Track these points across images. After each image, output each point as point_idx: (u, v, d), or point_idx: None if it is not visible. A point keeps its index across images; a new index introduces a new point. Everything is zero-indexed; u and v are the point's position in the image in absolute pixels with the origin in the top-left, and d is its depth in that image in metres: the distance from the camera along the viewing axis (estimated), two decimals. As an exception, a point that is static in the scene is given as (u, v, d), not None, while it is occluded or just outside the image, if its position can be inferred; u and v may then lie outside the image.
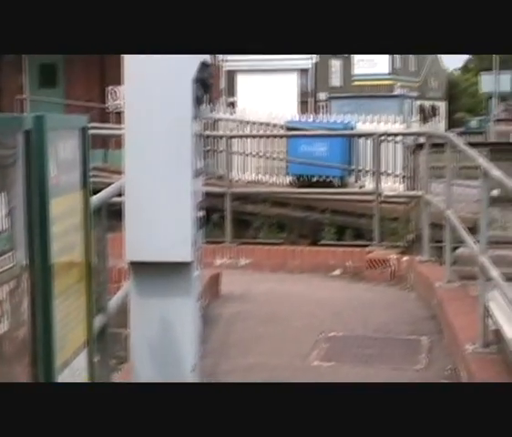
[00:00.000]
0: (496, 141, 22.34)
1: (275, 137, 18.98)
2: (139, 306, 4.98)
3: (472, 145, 8.60)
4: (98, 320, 4.52)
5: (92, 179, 3.59)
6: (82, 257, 3.44)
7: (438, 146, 9.99)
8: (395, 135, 16.75)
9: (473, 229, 7.39)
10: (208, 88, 5.12)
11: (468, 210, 10.78)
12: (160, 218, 4.86)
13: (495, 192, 8.65)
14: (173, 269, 4.90)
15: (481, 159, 6.66)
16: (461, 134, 42.15)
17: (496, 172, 6.09)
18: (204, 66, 4.90)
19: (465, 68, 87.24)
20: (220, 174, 15.38)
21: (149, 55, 4.75)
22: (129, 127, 4.88)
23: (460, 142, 8.43)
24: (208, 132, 18.19)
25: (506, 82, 29.13)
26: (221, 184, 12.02)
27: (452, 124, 66.40)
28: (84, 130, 3.43)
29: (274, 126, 18.86)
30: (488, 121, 31.10)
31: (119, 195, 5.15)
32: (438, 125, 62.49)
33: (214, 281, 8.92)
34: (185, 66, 4.79)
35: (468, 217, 9.67)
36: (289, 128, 18.54)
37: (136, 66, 4.84)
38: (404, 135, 16.63)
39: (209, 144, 17.85)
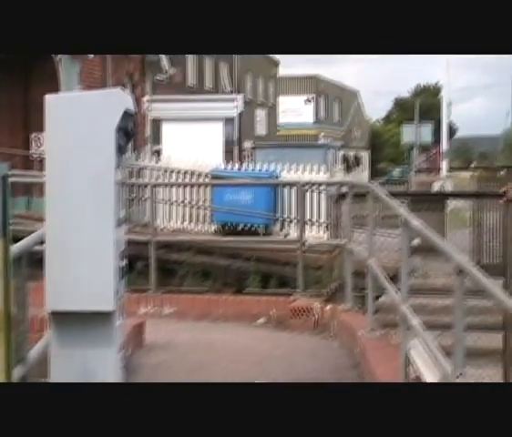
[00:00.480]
0: (417, 191, 22.79)
1: (200, 185, 19.01)
2: (60, 356, 4.90)
3: (393, 194, 8.76)
4: (18, 371, 4.43)
5: (15, 227, 3.55)
6: (0, 306, 3.38)
7: (361, 195, 10.14)
8: (319, 184, 16.95)
9: (394, 278, 7.50)
10: (131, 137, 5.13)
11: (390, 259, 10.94)
12: (82, 267, 4.81)
13: (415, 241, 8.82)
14: (95, 319, 4.85)
15: (401, 209, 6.79)
16: (384, 183, 42.87)
17: (415, 222, 6.22)
18: (127, 115, 4.91)
19: (387, 119, 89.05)
20: (144, 222, 15.30)
21: (72, 104, 4.75)
22: (51, 175, 4.84)
23: (381, 192, 8.58)
24: (133, 180, 18.13)
25: (426, 133, 29.88)
26: (146, 232, 11.96)
27: (375, 173, 67.56)
28: (4, 178, 3.39)
29: (200, 174, 18.89)
30: (410, 171, 31.75)
31: (41, 243, 5.08)
32: (362, 174, 63.53)
33: (138, 331, 8.83)
34: (108, 115, 4.79)
35: (390, 265, 9.80)
36: (214, 177, 18.59)
37: (57, 113, 4.81)
38: (327, 184, 16.82)
39: (134, 192, 17.77)
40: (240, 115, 23.57)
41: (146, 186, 16.02)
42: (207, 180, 18.76)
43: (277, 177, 18.54)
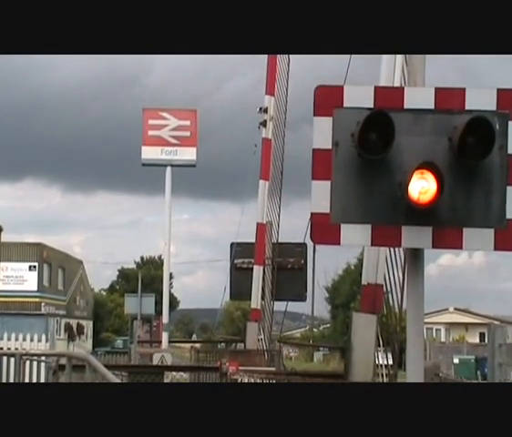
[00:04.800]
0: (136, 364, 23.01)
1: None
2: None
3: (113, 366, 8.91)
4: None
5: None
6: None
7: (81, 366, 10.18)
8: (38, 355, 16.69)
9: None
10: None
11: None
12: None
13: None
14: None
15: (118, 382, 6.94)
16: (107, 353, 42.66)
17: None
18: None
19: (112, 289, 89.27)
20: None
21: None
22: None
23: (99, 364, 8.70)
24: None
25: (149, 304, 30.39)
26: None
27: (98, 343, 67.04)
28: None
29: None
30: (132, 342, 32.01)
31: None
32: (84, 343, 62.85)
33: None
34: None
35: None
36: None
37: None
38: (45, 355, 16.58)
39: None
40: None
41: None
42: None
43: (-5, 347, 17.99)
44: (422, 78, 6.84)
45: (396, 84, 14.22)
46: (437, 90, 5.86)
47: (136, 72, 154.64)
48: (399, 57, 14.37)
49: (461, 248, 5.88)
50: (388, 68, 14.65)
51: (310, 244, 27.81)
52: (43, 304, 58.35)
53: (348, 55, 17.11)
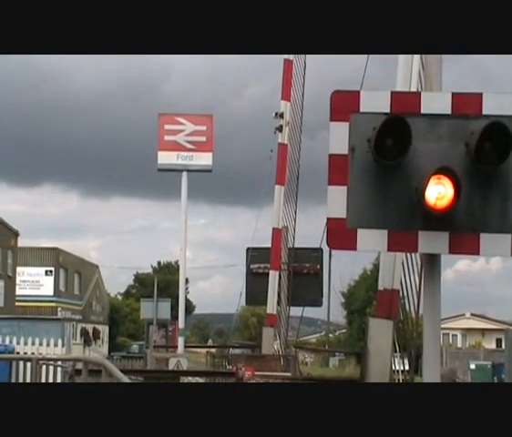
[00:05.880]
0: (153, 369, 23.01)
1: None
2: None
3: (129, 371, 8.92)
4: None
5: None
6: None
7: (97, 371, 10.19)
8: (54, 360, 16.72)
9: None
10: None
11: None
12: None
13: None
14: None
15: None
16: (123, 358, 42.74)
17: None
18: None
19: (127, 293, 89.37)
20: None
21: None
22: None
23: (115, 369, 8.71)
24: None
25: (165, 309, 30.41)
26: None
27: (114, 347, 67.18)
28: None
29: None
30: (148, 347, 32.07)
31: None
32: (100, 348, 63.00)
33: None
34: None
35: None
36: None
37: None
38: (61, 360, 16.63)
39: None
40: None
41: None
42: None
43: (12, 351, 18.05)
44: (439, 83, 6.80)
45: (413, 88, 14.18)
46: (454, 95, 5.84)
47: (153, 78, 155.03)
48: (416, 60, 14.33)
49: (478, 253, 5.85)
50: (405, 72, 14.61)
51: (326, 249, 27.73)
52: (59, 309, 58.56)
53: (365, 59, 17.06)
